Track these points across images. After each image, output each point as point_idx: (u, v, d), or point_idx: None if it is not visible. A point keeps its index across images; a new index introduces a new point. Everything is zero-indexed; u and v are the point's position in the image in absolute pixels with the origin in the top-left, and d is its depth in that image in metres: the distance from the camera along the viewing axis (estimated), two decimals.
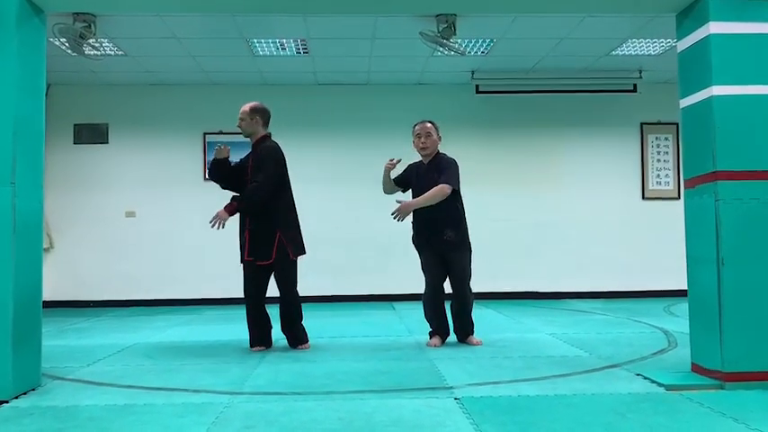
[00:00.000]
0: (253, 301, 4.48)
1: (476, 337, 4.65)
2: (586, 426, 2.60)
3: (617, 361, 3.93)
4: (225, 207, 4.34)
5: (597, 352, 4.26)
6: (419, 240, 4.66)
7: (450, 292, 4.63)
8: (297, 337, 4.56)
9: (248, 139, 4.63)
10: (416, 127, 4.68)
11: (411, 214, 4.54)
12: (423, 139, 4.60)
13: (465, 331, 4.66)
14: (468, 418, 2.74)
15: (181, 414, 2.86)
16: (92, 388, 3.41)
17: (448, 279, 4.61)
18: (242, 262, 4.51)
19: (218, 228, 4.30)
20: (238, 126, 4.59)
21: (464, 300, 4.59)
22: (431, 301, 4.62)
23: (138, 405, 3.03)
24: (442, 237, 4.48)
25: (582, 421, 2.67)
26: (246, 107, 4.59)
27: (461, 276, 4.55)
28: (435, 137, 4.63)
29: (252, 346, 4.51)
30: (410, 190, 4.73)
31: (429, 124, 4.64)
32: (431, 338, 4.62)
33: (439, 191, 4.40)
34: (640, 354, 4.17)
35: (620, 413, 2.79)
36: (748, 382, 3.19)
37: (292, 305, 4.52)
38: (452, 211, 4.49)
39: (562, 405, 2.94)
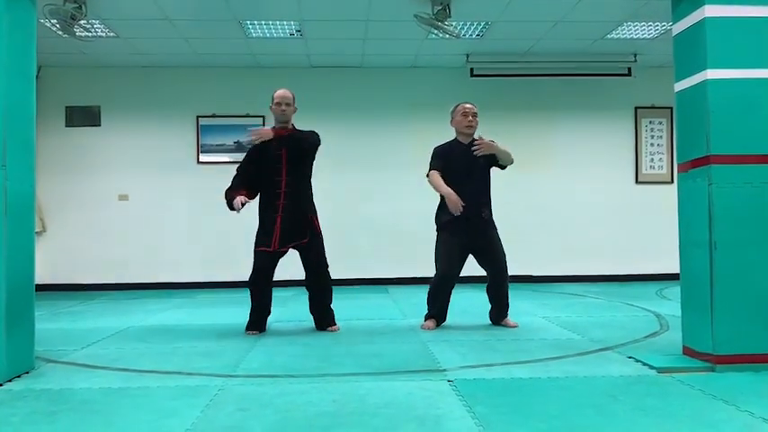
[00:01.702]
0: (263, 288, 4.45)
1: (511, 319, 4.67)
2: (578, 408, 2.63)
3: (609, 344, 3.96)
4: (273, 129, 4.35)
5: (590, 335, 4.28)
6: (454, 220, 4.42)
7: (489, 273, 4.56)
8: (329, 318, 4.60)
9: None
10: (461, 107, 4.60)
11: (439, 194, 4.48)
12: (470, 119, 4.55)
13: (504, 313, 4.66)
14: (461, 400, 2.76)
15: (175, 397, 2.86)
16: (86, 371, 3.42)
17: (486, 261, 4.55)
18: (263, 249, 4.40)
19: (254, 141, 4.35)
20: (282, 111, 4.43)
21: (506, 280, 4.59)
22: (442, 288, 4.54)
23: (132, 388, 3.03)
24: (480, 215, 4.47)
25: (574, 403, 2.69)
26: (290, 93, 4.50)
27: (502, 257, 4.54)
28: (477, 119, 4.62)
29: (249, 329, 4.49)
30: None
31: (474, 105, 4.62)
32: (426, 321, 4.60)
33: (510, 153, 4.51)
34: (632, 337, 4.20)
35: (612, 395, 2.81)
36: (739, 364, 3.21)
37: (328, 288, 4.59)
38: (489, 190, 4.57)
39: (554, 387, 2.96)
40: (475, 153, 4.40)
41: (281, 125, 4.48)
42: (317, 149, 4.56)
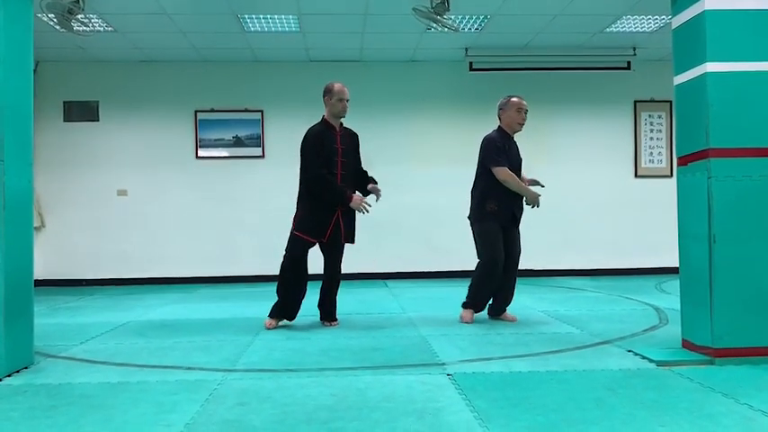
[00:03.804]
0: (306, 277, 4.51)
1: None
2: (577, 401, 2.63)
3: (608, 337, 3.97)
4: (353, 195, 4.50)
5: (589, 329, 4.29)
6: (500, 211, 4.47)
7: (504, 264, 4.54)
8: (333, 313, 4.64)
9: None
10: (517, 101, 4.60)
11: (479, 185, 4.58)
12: (524, 115, 4.58)
13: (504, 307, 4.69)
14: (460, 393, 2.76)
15: (174, 391, 2.87)
16: (85, 366, 3.42)
17: (506, 252, 4.55)
18: (308, 239, 4.43)
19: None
20: (344, 108, 4.55)
21: (516, 275, 4.64)
22: (494, 275, 4.47)
23: (131, 383, 3.03)
24: (521, 212, 4.58)
25: (573, 397, 2.69)
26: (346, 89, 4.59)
27: (519, 251, 4.61)
28: None
29: (288, 318, 4.55)
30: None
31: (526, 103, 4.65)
32: (468, 312, 4.60)
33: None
34: (631, 330, 4.20)
35: (611, 389, 2.81)
36: (738, 357, 3.22)
37: (338, 282, 4.65)
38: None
39: (554, 381, 2.96)
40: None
41: (337, 120, 4.58)
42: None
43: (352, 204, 4.45)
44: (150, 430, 2.36)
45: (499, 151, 4.49)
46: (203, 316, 5.14)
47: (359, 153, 4.76)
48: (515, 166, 4.57)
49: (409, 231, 7.92)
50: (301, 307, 4.54)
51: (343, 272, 4.63)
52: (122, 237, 7.83)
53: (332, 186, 4.41)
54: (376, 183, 4.69)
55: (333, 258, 4.57)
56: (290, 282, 4.46)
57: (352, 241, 4.65)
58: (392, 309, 5.39)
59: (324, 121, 4.59)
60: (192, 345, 3.94)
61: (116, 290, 7.31)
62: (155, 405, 2.66)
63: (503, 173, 4.44)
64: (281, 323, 4.55)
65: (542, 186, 4.73)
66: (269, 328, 4.43)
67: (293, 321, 4.59)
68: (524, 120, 4.59)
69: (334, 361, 3.43)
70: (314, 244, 4.49)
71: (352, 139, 4.69)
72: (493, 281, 4.50)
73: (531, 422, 2.38)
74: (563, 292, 6.48)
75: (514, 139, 4.66)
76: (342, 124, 4.65)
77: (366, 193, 4.63)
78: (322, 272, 4.58)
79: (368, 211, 4.50)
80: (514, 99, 4.59)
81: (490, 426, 2.34)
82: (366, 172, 4.76)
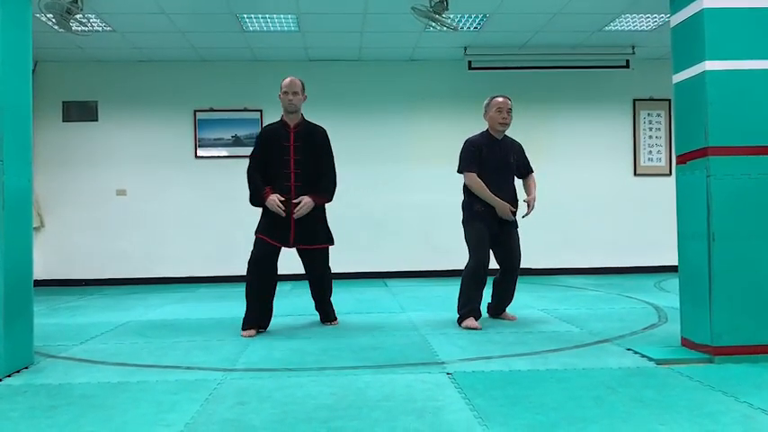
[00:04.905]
0: (270, 284, 4.27)
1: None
2: (577, 400, 2.63)
3: (608, 336, 3.97)
4: (313, 197, 4.20)
5: (588, 327, 4.29)
6: (485, 211, 4.38)
7: (502, 269, 4.52)
8: (331, 313, 4.60)
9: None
10: (497, 101, 4.47)
11: (467, 186, 4.47)
12: (505, 115, 4.45)
13: (505, 306, 4.67)
14: (459, 392, 2.77)
15: (174, 391, 2.87)
16: (85, 366, 3.42)
17: (502, 256, 4.49)
18: (268, 242, 4.20)
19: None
20: (290, 101, 4.24)
21: (516, 280, 4.58)
22: (480, 277, 4.36)
23: (131, 382, 3.04)
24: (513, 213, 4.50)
25: (573, 395, 2.70)
26: (298, 81, 4.30)
27: (518, 255, 4.51)
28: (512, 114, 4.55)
29: (251, 328, 4.21)
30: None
31: (509, 100, 4.51)
32: (467, 319, 4.33)
33: (535, 181, 4.71)
34: (631, 329, 4.20)
35: (611, 387, 2.82)
36: (737, 356, 3.22)
37: (330, 284, 4.57)
38: (515, 190, 4.60)
39: (553, 379, 2.96)
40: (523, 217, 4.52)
41: (289, 115, 4.34)
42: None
43: (267, 204, 4.15)
44: (150, 430, 2.36)
45: (470, 155, 4.44)
46: (203, 315, 5.14)
47: (324, 151, 4.37)
48: (496, 168, 4.42)
49: (408, 230, 7.92)
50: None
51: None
52: (122, 237, 7.83)
53: (253, 184, 4.25)
54: (315, 195, 4.23)
55: (309, 262, 4.42)
56: (251, 286, 4.20)
57: (316, 243, 4.32)
58: (392, 308, 5.39)
59: (281, 117, 4.41)
60: (191, 344, 3.94)
61: (116, 290, 7.31)
62: (155, 405, 2.66)
63: (468, 178, 4.42)
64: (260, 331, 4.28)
65: (528, 210, 4.52)
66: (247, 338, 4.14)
67: (289, 322, 4.59)
68: (506, 119, 4.45)
69: (333, 360, 3.43)
70: (276, 247, 4.22)
71: (312, 137, 4.33)
72: (479, 284, 4.38)
73: (530, 421, 2.38)
74: (562, 290, 6.48)
75: (508, 139, 4.56)
76: (301, 121, 4.37)
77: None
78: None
79: (282, 215, 4.13)
80: (496, 99, 4.49)
81: (490, 424, 2.35)
82: (326, 178, 4.32)
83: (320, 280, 4.51)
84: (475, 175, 4.39)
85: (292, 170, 4.26)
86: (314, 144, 4.33)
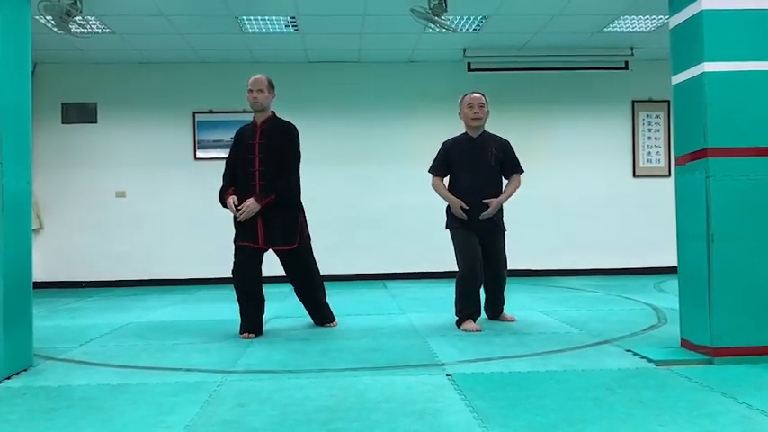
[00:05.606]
0: (255, 287, 4.21)
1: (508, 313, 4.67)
2: (577, 401, 2.63)
3: (607, 337, 3.97)
4: (256, 198, 4.06)
5: (588, 328, 4.29)
6: (467, 218, 4.35)
7: (487, 274, 4.45)
8: (326, 314, 4.55)
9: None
10: (467, 98, 4.42)
11: (449, 188, 4.47)
12: (476, 110, 4.37)
13: (500, 308, 4.63)
14: (459, 394, 2.76)
15: (174, 393, 2.86)
16: (84, 368, 3.41)
17: (486, 262, 4.42)
18: (243, 245, 4.15)
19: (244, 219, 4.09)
20: (255, 99, 4.20)
21: (504, 278, 4.53)
22: (471, 284, 4.32)
23: (130, 384, 3.03)
24: (493, 219, 4.41)
25: (572, 396, 2.69)
26: (264, 78, 4.26)
27: (503, 261, 4.48)
28: (486, 109, 4.45)
29: (248, 330, 4.19)
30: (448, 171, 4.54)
31: (481, 95, 4.44)
32: (464, 323, 4.30)
33: (519, 183, 4.50)
34: (630, 330, 4.20)
35: (611, 388, 2.82)
36: (736, 357, 3.22)
37: (320, 286, 4.51)
38: (499, 186, 4.49)
39: (553, 381, 2.96)
40: (484, 217, 4.35)
41: (257, 114, 4.30)
42: (298, 146, 4.30)
43: (226, 205, 4.18)
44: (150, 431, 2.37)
45: (437, 158, 4.51)
46: (203, 317, 5.14)
47: (287, 148, 4.22)
48: (469, 167, 4.38)
49: (408, 231, 7.91)
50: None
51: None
52: (121, 238, 7.83)
53: (222, 186, 4.27)
54: (259, 197, 4.09)
55: (285, 261, 4.36)
56: (238, 291, 4.20)
57: (283, 244, 4.21)
58: (391, 309, 5.39)
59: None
60: (191, 346, 3.94)
61: (115, 291, 7.31)
62: (154, 406, 2.66)
63: (432, 180, 4.50)
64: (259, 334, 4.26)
65: (484, 213, 4.36)
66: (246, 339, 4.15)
67: (288, 324, 4.59)
68: (478, 114, 4.35)
69: (333, 362, 3.43)
70: (256, 249, 4.17)
71: (280, 134, 4.22)
72: (471, 288, 4.34)
73: (530, 422, 2.38)
74: (562, 291, 6.48)
75: (489, 136, 4.48)
76: (269, 118, 4.29)
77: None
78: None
79: (237, 218, 4.11)
80: (467, 95, 4.44)
81: (489, 426, 2.34)
82: (282, 179, 4.15)
83: (302, 281, 4.44)
84: (437, 178, 4.47)
85: (257, 168, 4.17)
86: (282, 141, 4.23)
